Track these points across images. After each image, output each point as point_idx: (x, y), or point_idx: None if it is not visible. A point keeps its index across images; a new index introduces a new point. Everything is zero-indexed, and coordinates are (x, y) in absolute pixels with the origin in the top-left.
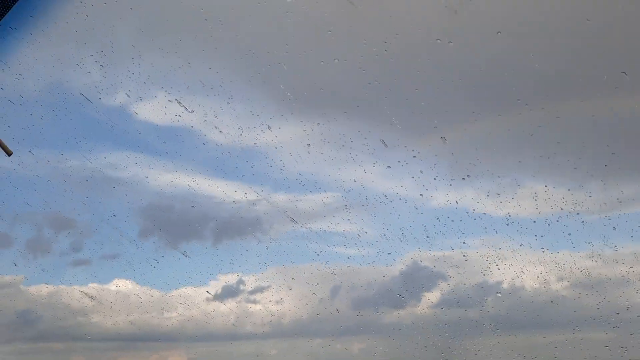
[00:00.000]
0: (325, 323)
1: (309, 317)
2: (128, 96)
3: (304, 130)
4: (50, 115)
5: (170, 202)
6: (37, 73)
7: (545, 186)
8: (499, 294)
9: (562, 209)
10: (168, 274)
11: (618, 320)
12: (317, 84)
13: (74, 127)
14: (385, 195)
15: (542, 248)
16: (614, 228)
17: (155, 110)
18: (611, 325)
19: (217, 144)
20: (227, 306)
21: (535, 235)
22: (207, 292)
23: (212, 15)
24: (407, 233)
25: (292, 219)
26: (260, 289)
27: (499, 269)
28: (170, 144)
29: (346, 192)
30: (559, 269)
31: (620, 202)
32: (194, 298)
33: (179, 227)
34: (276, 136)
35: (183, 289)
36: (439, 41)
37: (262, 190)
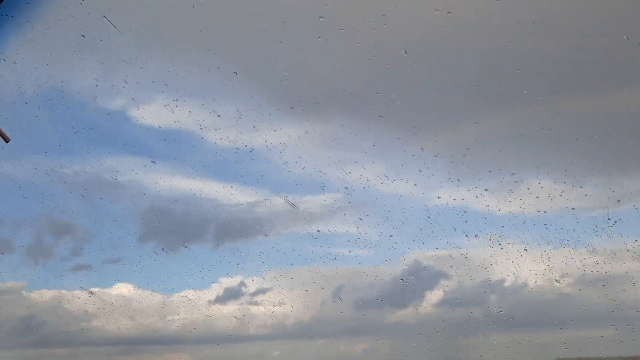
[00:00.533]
0: (328, 324)
1: (312, 318)
2: (127, 100)
3: (305, 131)
4: (49, 118)
5: (171, 206)
6: (36, 76)
7: (547, 183)
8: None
9: (564, 205)
10: (169, 277)
11: (621, 316)
12: (318, 84)
13: (74, 131)
14: (387, 195)
15: (545, 245)
16: (616, 223)
17: (154, 113)
18: (615, 321)
19: (216, 146)
20: (230, 308)
21: (538, 232)
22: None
23: (209, 17)
24: (409, 232)
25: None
26: (262, 291)
27: (501, 267)
28: (170, 147)
29: (347, 193)
30: (561, 266)
31: (622, 197)
32: (196, 301)
33: (180, 231)
34: (276, 137)
35: (185, 292)
36: (438, 40)
37: (262, 192)
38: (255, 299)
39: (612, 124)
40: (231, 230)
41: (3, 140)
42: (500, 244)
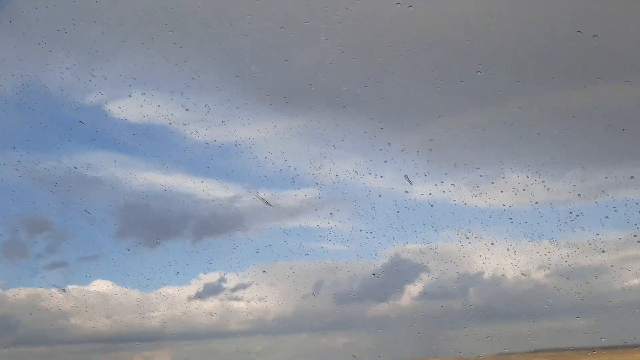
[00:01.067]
0: (309, 318)
1: (293, 313)
2: (100, 94)
3: (274, 126)
4: (23, 115)
5: (148, 201)
6: (10, 71)
7: (511, 177)
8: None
9: (527, 200)
10: (148, 274)
11: (597, 307)
12: (297, 80)
13: (48, 127)
14: (356, 190)
15: (523, 237)
16: (577, 217)
17: (130, 109)
18: (591, 312)
19: (194, 142)
20: (210, 304)
21: (503, 226)
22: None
23: (184, 12)
24: (389, 227)
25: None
26: (242, 286)
27: (480, 259)
28: (147, 142)
29: (327, 188)
30: (539, 258)
31: (583, 192)
32: (175, 297)
33: (157, 226)
34: (245, 132)
35: (164, 289)
36: (408, 38)
37: (236, 188)
38: (235, 294)
39: (573, 120)
40: (209, 226)
41: None
42: (467, 238)
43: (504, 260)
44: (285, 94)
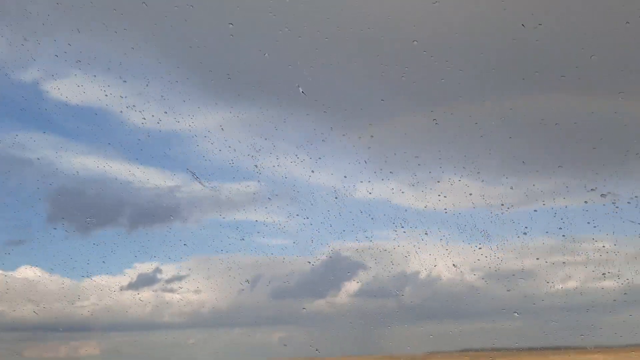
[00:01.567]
0: (245, 313)
1: (228, 307)
2: (40, 72)
3: (222, 117)
4: None
5: (83, 186)
6: None
7: (463, 180)
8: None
9: (479, 202)
10: (79, 262)
11: (527, 309)
12: (244, 71)
13: None
14: (305, 186)
15: (459, 239)
16: (526, 222)
17: (69, 89)
18: (521, 314)
19: (135, 128)
20: (144, 295)
21: (452, 228)
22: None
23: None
24: (329, 224)
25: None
26: (178, 278)
27: (417, 259)
28: (85, 125)
29: (269, 182)
30: (473, 259)
31: (530, 197)
32: (107, 287)
33: (92, 213)
34: (199, 122)
35: (96, 278)
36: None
37: (182, 177)
38: (170, 286)
39: (525, 126)
40: (147, 214)
41: None
42: (417, 238)
43: (439, 261)
44: (235, 84)
